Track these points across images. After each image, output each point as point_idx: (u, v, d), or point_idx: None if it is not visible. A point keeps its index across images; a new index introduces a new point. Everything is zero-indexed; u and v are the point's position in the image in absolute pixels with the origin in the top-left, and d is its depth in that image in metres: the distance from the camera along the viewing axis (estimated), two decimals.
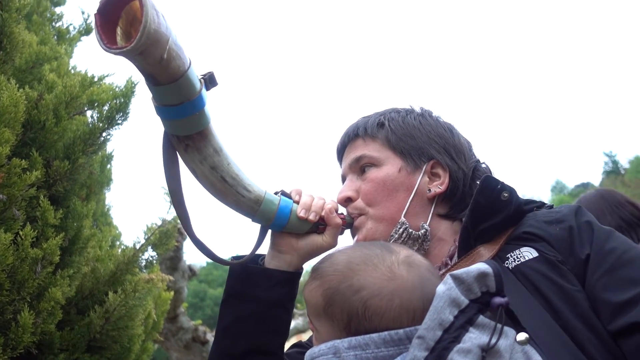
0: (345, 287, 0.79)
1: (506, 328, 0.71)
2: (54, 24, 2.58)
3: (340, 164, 1.17)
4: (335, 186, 1.17)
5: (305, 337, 1.16)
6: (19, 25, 1.72)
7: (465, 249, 0.97)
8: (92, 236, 1.88)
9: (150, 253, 2.14)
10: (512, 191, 0.97)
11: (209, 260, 1.26)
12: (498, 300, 0.72)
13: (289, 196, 1.05)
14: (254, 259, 1.06)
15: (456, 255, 0.99)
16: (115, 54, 0.75)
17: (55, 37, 2.53)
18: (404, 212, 1.03)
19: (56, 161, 1.73)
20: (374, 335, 0.75)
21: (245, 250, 1.06)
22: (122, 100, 1.88)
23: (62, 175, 1.74)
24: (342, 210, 1.09)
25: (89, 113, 1.93)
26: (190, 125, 0.89)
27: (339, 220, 1.05)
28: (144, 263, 2.13)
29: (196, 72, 0.87)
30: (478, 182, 1.00)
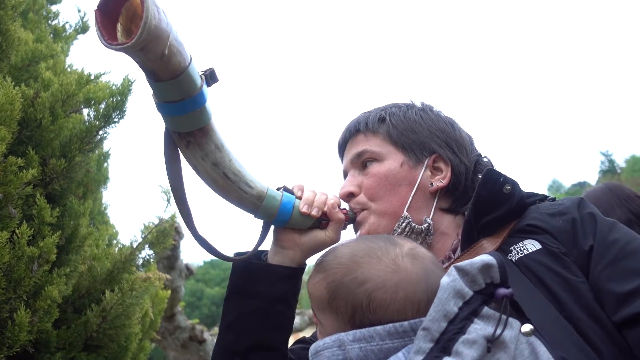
0: (349, 279, 0.79)
1: (511, 319, 0.71)
2: (50, 21, 2.57)
3: (342, 159, 1.16)
4: (337, 182, 1.17)
5: (302, 336, 1.15)
6: (15, 23, 1.72)
7: (468, 242, 0.97)
8: (89, 235, 1.87)
9: (147, 252, 2.14)
10: (514, 184, 0.97)
11: (207, 259, 1.27)
12: (502, 291, 0.72)
13: (291, 192, 1.05)
14: (257, 255, 1.06)
15: (459, 248, 1.00)
16: (117, 50, 0.75)
17: (52, 35, 2.52)
18: (406, 207, 1.03)
19: (52, 159, 1.72)
20: (379, 327, 0.75)
21: (248, 246, 1.06)
22: (119, 98, 1.87)
23: (59, 174, 1.73)
24: (345, 205, 1.09)
25: (85, 111, 1.93)
26: (191, 121, 0.89)
27: (341, 216, 1.04)
28: (141, 262, 2.12)
29: (197, 69, 0.87)
30: (480, 176, 1.00)
